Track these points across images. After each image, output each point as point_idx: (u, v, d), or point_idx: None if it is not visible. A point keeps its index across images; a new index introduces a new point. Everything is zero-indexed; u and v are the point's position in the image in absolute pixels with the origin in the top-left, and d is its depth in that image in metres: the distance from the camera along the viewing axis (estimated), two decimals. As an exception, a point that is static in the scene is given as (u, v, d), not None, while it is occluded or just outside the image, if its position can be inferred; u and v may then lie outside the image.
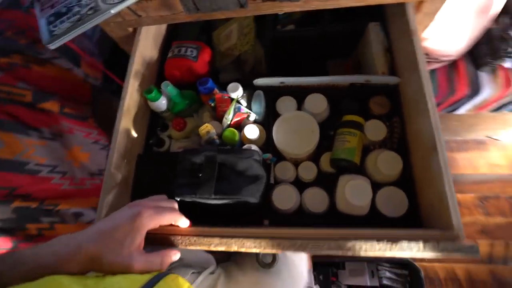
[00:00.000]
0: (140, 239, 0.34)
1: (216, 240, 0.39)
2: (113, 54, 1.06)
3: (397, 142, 0.51)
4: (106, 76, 1.00)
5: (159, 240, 0.40)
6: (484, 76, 0.77)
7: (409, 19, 0.46)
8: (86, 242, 0.32)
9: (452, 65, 0.80)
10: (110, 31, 0.54)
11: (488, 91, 0.76)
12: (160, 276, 0.32)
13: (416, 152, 0.46)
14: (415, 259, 0.96)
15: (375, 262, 0.99)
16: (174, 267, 0.48)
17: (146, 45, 0.56)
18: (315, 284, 0.97)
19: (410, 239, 0.36)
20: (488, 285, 1.01)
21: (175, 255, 0.37)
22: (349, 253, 0.37)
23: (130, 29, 0.55)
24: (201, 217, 0.41)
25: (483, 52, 0.76)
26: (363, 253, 0.36)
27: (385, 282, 0.96)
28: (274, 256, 0.49)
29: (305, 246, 0.37)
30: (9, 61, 0.71)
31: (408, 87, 0.49)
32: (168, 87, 0.50)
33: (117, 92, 1.11)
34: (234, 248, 0.38)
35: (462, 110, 0.86)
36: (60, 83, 0.81)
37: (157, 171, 0.52)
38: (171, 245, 0.40)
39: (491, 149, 1.14)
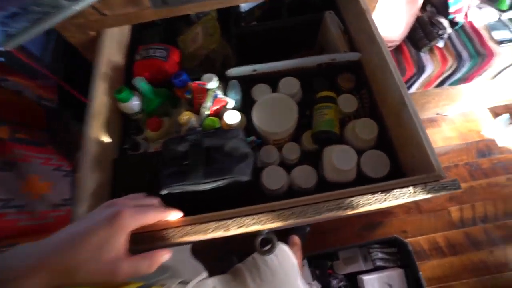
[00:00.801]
0: (122, 242, 0.30)
1: (213, 225, 0.36)
2: (68, 76, 1.00)
3: (369, 110, 0.54)
4: (63, 99, 0.92)
5: (148, 238, 0.36)
6: (424, 56, 0.88)
7: (360, 1, 0.52)
8: (53, 252, 0.27)
9: (397, 49, 0.90)
10: (70, 37, 0.51)
11: (431, 68, 0.87)
12: None
13: (388, 113, 0.50)
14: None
15: (366, 246, 1.01)
16: (161, 279, 0.44)
17: (111, 49, 0.54)
18: (313, 280, 0.95)
19: (401, 187, 0.38)
20: (465, 246, 1.09)
21: (165, 255, 0.33)
22: (348, 211, 0.37)
23: (93, 33, 0.52)
24: (192, 209, 0.39)
25: (420, 36, 0.87)
26: (361, 208, 0.37)
27: (378, 263, 0.98)
28: (272, 243, 0.47)
29: (305, 212, 0.36)
30: None
31: (369, 59, 0.54)
32: (141, 82, 0.48)
33: (76, 115, 1.03)
34: (233, 229, 0.36)
35: (413, 89, 0.96)
36: (9, 107, 0.73)
37: (135, 173, 0.48)
38: (162, 240, 0.36)
39: (442, 124, 1.28)
